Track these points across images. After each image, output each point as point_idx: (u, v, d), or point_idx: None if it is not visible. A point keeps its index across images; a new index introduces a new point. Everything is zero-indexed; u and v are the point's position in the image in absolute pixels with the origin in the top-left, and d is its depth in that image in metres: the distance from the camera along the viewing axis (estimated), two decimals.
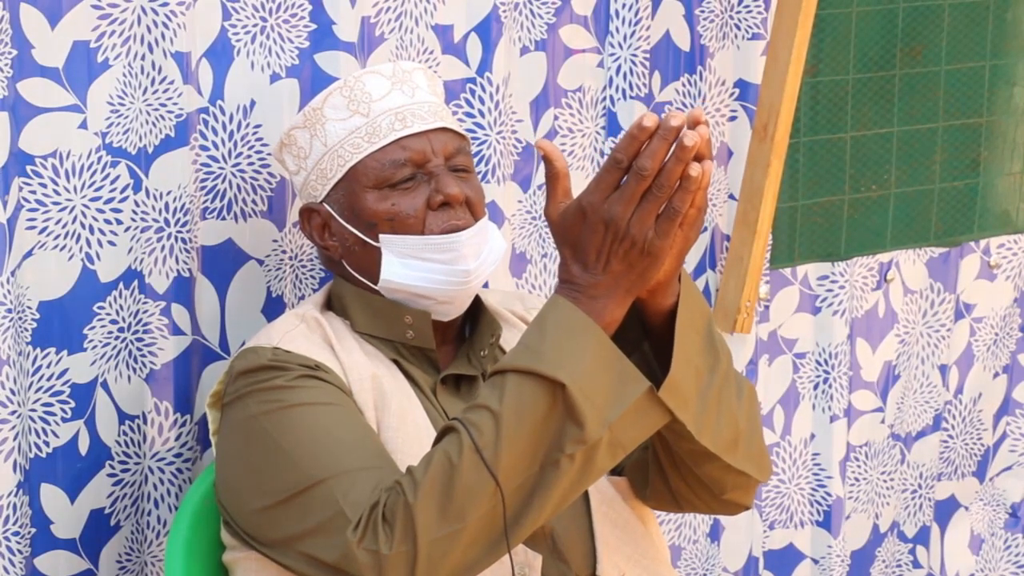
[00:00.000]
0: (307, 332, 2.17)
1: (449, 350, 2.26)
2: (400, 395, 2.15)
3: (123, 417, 2.40)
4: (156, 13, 2.32)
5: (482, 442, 1.87)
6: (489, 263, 2.22)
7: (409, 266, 2.18)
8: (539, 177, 2.77)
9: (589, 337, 1.88)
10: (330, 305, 2.28)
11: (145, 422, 2.41)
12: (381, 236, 2.18)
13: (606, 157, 2.80)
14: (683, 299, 1.95)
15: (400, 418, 2.12)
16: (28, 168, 2.27)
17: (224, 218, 2.45)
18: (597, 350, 1.88)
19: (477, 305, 2.28)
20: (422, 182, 2.20)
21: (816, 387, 3.18)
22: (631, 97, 2.82)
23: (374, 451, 2.03)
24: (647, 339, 2.00)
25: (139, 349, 2.39)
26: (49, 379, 2.33)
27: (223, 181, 2.44)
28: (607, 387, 1.87)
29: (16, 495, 2.28)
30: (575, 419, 1.86)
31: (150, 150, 2.36)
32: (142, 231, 2.37)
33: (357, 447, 2.01)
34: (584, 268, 1.88)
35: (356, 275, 2.24)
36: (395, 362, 2.20)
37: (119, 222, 2.35)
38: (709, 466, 2.07)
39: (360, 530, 1.90)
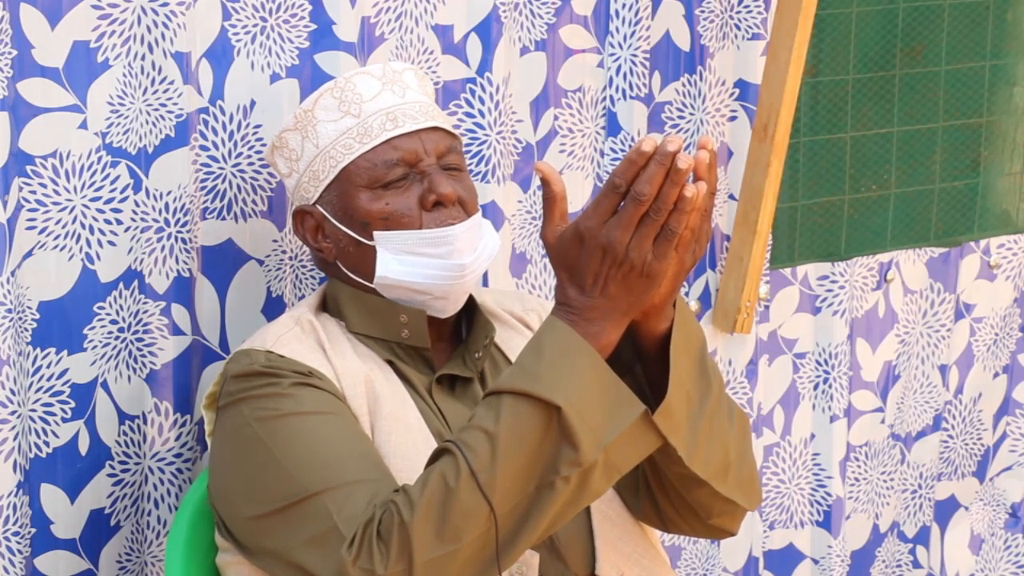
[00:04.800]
0: (301, 335, 2.17)
1: (444, 349, 2.26)
2: (393, 397, 2.15)
3: (123, 417, 2.40)
4: (156, 13, 2.32)
5: (478, 465, 1.88)
6: (484, 258, 2.22)
7: (404, 262, 2.18)
8: (538, 177, 2.77)
9: (585, 360, 1.89)
10: (325, 306, 2.28)
11: (145, 422, 2.41)
12: (375, 233, 2.19)
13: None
14: (678, 324, 1.96)
15: (393, 421, 2.12)
16: (28, 168, 2.27)
17: (224, 218, 2.45)
18: (593, 373, 1.89)
19: (473, 305, 2.29)
20: (414, 181, 2.20)
21: (816, 387, 3.18)
22: (631, 97, 2.82)
23: (369, 462, 2.03)
24: (639, 362, 2.01)
25: (139, 349, 2.39)
26: (49, 379, 2.33)
27: (223, 181, 2.44)
28: (603, 410, 1.89)
29: (16, 495, 2.28)
30: (571, 441, 1.87)
31: (150, 150, 2.36)
32: (142, 231, 2.37)
33: (351, 458, 2.02)
34: (581, 291, 1.90)
35: (351, 275, 2.24)
36: (390, 363, 2.21)
37: (119, 222, 2.35)
38: (698, 492, 2.08)
39: (355, 548, 1.91)
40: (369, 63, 2.53)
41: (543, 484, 1.89)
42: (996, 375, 3.45)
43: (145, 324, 2.39)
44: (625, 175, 1.83)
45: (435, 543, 1.88)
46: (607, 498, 2.22)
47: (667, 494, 2.14)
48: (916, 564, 3.41)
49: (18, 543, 2.30)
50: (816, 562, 3.23)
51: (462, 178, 2.23)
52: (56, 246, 2.31)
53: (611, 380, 1.90)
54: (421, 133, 2.21)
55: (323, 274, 2.50)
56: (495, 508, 1.88)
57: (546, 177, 1.91)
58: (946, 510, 3.45)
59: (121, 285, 2.37)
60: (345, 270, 2.24)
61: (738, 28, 2.93)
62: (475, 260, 2.20)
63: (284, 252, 2.50)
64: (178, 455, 2.43)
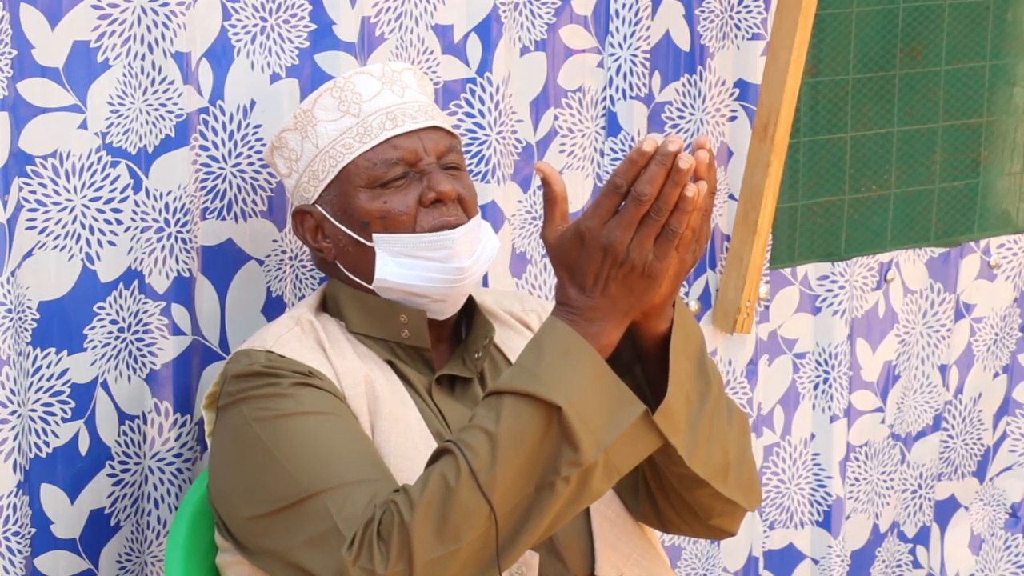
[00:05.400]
0: (301, 335, 2.17)
1: (444, 350, 2.26)
2: (393, 397, 2.15)
3: (123, 417, 2.40)
4: (156, 13, 2.32)
5: (478, 465, 1.88)
6: (483, 261, 2.22)
7: (403, 264, 2.18)
8: (538, 177, 2.77)
9: (586, 360, 1.89)
10: (325, 307, 2.28)
11: (145, 422, 2.41)
12: (374, 235, 2.19)
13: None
14: (677, 325, 1.96)
15: (392, 421, 2.12)
16: (28, 168, 2.27)
17: (224, 218, 2.45)
18: (594, 373, 1.89)
19: (472, 306, 2.29)
20: (414, 180, 2.20)
21: (816, 387, 3.18)
22: (631, 97, 2.82)
23: (369, 462, 2.03)
24: (639, 363, 2.01)
25: (139, 349, 2.39)
26: (49, 379, 2.33)
27: (223, 181, 2.44)
28: (603, 410, 1.89)
29: (16, 495, 2.28)
30: (571, 442, 1.88)
31: (150, 150, 2.36)
32: (142, 231, 2.37)
33: (351, 458, 2.02)
34: (582, 291, 1.90)
35: (350, 275, 2.24)
36: (389, 363, 2.21)
37: (119, 222, 2.35)
38: (698, 492, 2.08)
39: (355, 548, 1.91)
40: (369, 63, 2.53)
41: (543, 484, 1.89)
42: (996, 375, 3.45)
43: (145, 324, 2.39)
44: (626, 175, 1.83)
45: (435, 543, 1.88)
46: (606, 498, 2.22)
47: (667, 495, 2.14)
48: (916, 564, 3.41)
49: (18, 543, 2.30)
50: (816, 562, 3.23)
51: (461, 177, 2.24)
52: (56, 246, 2.31)
53: (611, 380, 1.90)
54: (420, 132, 2.22)
55: (323, 274, 2.50)
56: (495, 508, 1.88)
57: (547, 177, 1.92)
58: (946, 510, 3.45)
59: (121, 285, 2.37)
60: (344, 270, 2.24)
61: (738, 28, 2.93)
62: (474, 263, 2.20)
63: (284, 252, 2.50)
64: (178, 455, 2.43)
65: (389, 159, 2.20)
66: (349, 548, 1.91)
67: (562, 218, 1.93)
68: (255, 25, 2.43)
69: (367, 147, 2.20)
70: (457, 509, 1.88)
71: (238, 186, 2.45)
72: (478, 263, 2.21)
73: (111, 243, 2.35)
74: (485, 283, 2.66)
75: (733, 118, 2.97)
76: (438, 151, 2.22)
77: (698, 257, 1.93)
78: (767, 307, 3.10)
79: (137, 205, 2.36)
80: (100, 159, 2.32)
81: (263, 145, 2.45)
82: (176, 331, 2.41)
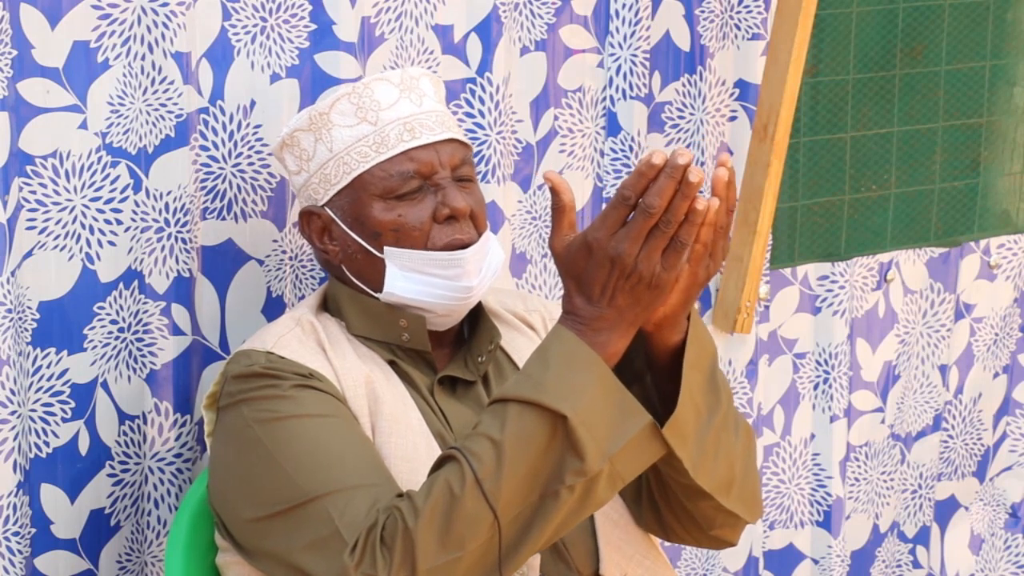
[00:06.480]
0: (301, 336, 2.17)
1: (446, 351, 2.26)
2: (394, 398, 2.15)
3: (123, 417, 2.40)
4: (156, 13, 2.32)
5: (483, 472, 1.88)
6: (489, 277, 2.22)
7: (411, 279, 2.18)
8: (539, 178, 2.77)
9: (592, 370, 1.89)
10: (326, 306, 2.28)
11: (145, 422, 2.41)
12: (386, 248, 2.18)
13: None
14: (691, 337, 1.97)
15: (392, 422, 2.12)
16: (28, 168, 2.27)
17: (224, 218, 2.45)
18: (600, 383, 1.89)
19: (476, 307, 2.28)
20: (428, 193, 2.20)
21: (816, 387, 3.18)
22: (631, 97, 2.82)
23: (370, 465, 2.03)
24: (650, 372, 2.01)
25: (139, 349, 2.39)
26: (49, 379, 2.33)
27: (223, 181, 2.44)
28: (608, 420, 1.89)
29: (16, 495, 2.28)
30: (576, 451, 1.88)
31: (150, 150, 2.36)
32: (142, 231, 2.37)
33: (353, 462, 2.02)
34: (588, 301, 1.90)
35: (355, 280, 2.24)
36: (392, 363, 2.20)
37: (119, 222, 2.35)
38: (701, 503, 2.09)
39: (357, 553, 1.91)
40: (369, 63, 2.53)
41: (547, 493, 1.90)
42: (996, 375, 3.45)
43: (145, 324, 2.39)
44: (635, 187, 1.84)
45: (438, 550, 1.89)
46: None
47: (670, 504, 2.14)
48: (916, 564, 3.41)
49: (18, 543, 2.30)
50: (816, 562, 3.23)
51: (473, 190, 2.23)
52: (56, 246, 2.31)
53: (617, 390, 1.90)
54: (437, 145, 2.21)
55: (323, 275, 2.50)
56: (499, 516, 1.88)
57: (556, 187, 1.92)
58: (946, 510, 3.45)
59: (121, 285, 2.37)
60: (350, 275, 2.24)
61: (738, 28, 2.93)
62: (481, 281, 2.21)
63: (284, 252, 2.50)
64: (178, 455, 2.43)
65: (405, 172, 2.19)
66: (352, 553, 1.91)
67: (570, 227, 1.93)
68: (255, 25, 2.43)
69: (384, 157, 2.20)
70: (461, 516, 1.88)
71: (238, 186, 2.45)
72: (484, 280, 2.21)
73: (111, 243, 2.35)
74: None
75: (733, 118, 2.97)
76: (453, 163, 2.21)
77: (712, 272, 1.93)
78: (767, 307, 3.10)
79: (137, 205, 2.36)
80: (100, 159, 2.32)
81: (263, 145, 2.45)
82: (176, 331, 2.41)
